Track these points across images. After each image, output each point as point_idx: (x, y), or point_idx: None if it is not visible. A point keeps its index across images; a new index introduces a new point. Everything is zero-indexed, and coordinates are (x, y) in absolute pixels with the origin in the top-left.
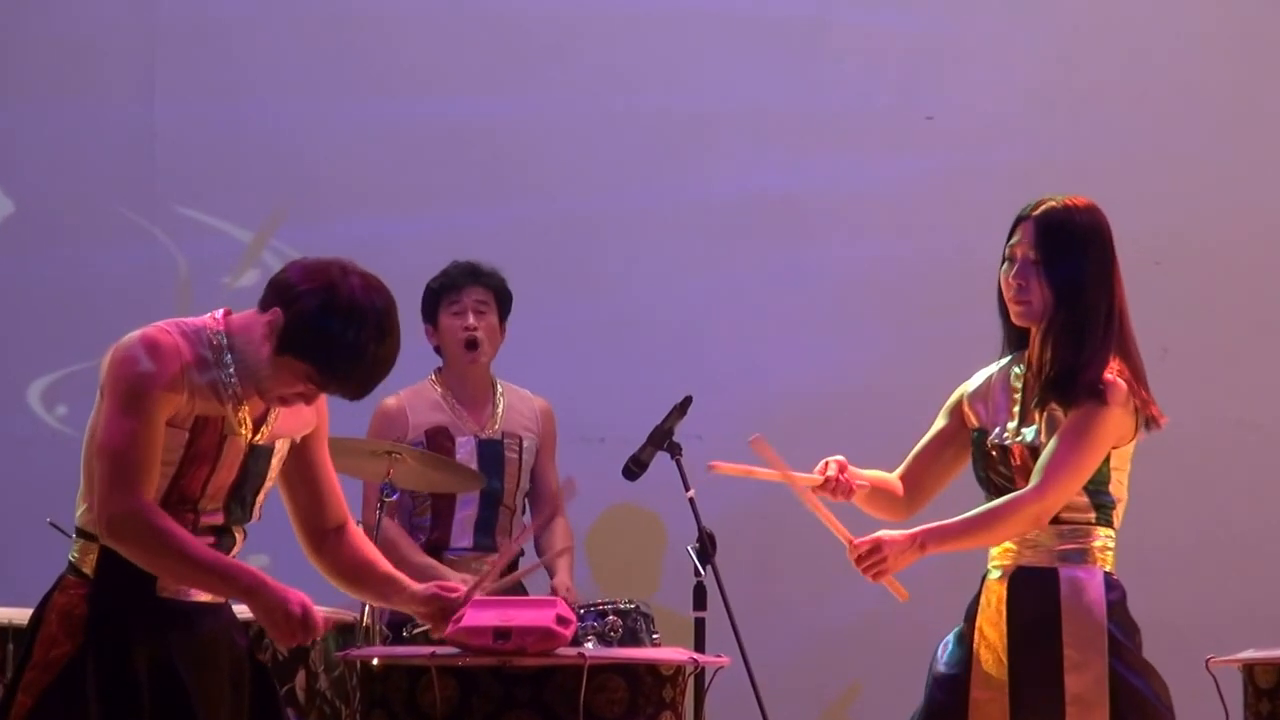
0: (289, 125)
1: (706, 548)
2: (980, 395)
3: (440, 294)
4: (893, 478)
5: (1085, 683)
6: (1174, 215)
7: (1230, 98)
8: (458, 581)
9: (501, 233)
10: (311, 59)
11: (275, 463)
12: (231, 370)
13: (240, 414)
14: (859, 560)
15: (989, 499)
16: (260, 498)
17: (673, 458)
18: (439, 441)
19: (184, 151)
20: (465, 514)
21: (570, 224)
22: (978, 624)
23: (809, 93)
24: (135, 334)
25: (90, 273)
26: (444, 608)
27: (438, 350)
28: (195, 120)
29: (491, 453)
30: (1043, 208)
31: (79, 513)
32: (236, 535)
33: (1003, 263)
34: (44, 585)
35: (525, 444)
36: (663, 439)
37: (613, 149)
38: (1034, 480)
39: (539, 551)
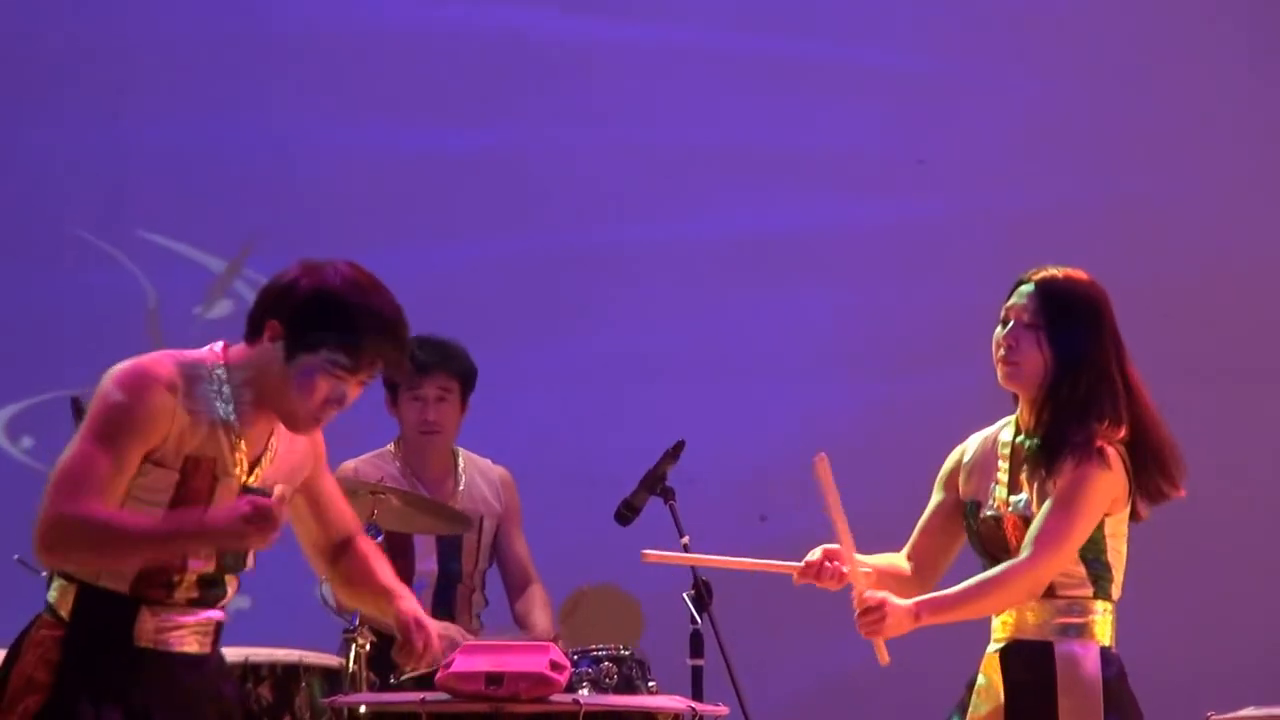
0: (263, 150)
1: (702, 594)
2: (974, 466)
3: None
4: (900, 558)
5: None
6: (1175, 261)
7: (1231, 138)
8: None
9: (489, 266)
10: (287, 82)
11: None
12: (231, 406)
13: (237, 454)
14: (863, 614)
15: (986, 569)
16: None
17: (666, 503)
18: None
19: (153, 176)
20: (422, 595)
21: (563, 260)
22: (974, 698)
23: (802, 134)
24: (128, 362)
25: (56, 301)
26: (410, 648)
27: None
28: (164, 144)
29: (451, 536)
30: (1044, 274)
31: None
32: (228, 585)
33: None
34: (9, 623)
35: (485, 525)
36: (655, 483)
37: (609, 186)
38: (1025, 550)
39: (520, 624)
